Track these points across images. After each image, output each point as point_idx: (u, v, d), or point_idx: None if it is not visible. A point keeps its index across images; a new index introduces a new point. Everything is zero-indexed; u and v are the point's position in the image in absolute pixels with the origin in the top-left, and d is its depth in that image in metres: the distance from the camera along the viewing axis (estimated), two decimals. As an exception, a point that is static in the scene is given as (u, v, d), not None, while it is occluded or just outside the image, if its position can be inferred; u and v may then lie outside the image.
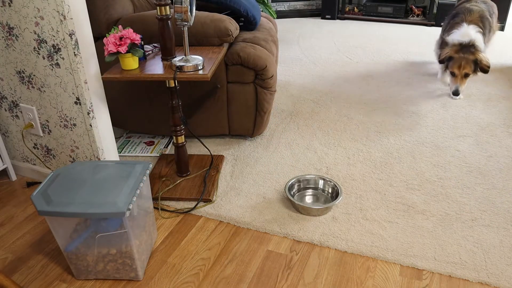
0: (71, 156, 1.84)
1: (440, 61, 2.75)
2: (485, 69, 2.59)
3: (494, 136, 2.29)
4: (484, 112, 2.56)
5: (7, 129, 1.92)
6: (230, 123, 2.20)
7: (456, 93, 2.66)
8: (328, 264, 1.48)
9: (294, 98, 2.80)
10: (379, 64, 3.46)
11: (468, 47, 2.61)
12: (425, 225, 1.64)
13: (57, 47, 1.56)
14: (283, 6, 5.11)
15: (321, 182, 1.87)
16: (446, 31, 2.85)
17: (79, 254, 1.36)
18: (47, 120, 1.78)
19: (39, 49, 1.60)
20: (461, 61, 2.61)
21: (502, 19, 4.28)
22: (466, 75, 2.64)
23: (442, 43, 2.87)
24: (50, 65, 1.62)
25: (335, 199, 1.76)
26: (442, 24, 3.11)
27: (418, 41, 4.06)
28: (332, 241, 1.57)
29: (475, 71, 2.62)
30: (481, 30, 2.69)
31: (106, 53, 1.52)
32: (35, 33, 1.57)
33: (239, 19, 2.28)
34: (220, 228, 1.66)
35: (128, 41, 1.51)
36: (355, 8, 5.06)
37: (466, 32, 2.67)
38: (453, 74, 2.68)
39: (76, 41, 1.53)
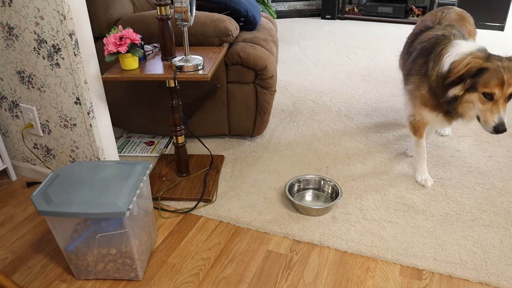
0: (71, 156, 1.84)
1: (459, 78, 1.61)
2: None
3: (494, 136, 2.29)
4: (484, 112, 2.56)
5: (7, 129, 1.92)
6: (230, 123, 2.20)
7: (500, 127, 1.58)
8: (328, 264, 1.48)
9: (294, 98, 2.80)
10: (379, 64, 3.46)
11: (507, 58, 1.57)
12: (425, 225, 1.64)
13: (57, 47, 1.56)
14: (283, 6, 5.11)
15: (321, 182, 1.87)
16: (431, 68, 1.73)
17: (79, 254, 1.36)
18: (47, 120, 1.78)
19: (39, 49, 1.60)
20: (503, 74, 1.54)
21: (502, 19, 4.28)
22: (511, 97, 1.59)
23: (428, 81, 1.75)
24: (50, 65, 1.61)
25: (335, 199, 1.76)
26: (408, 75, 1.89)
27: (418, 41, 4.05)
28: (332, 241, 1.57)
29: None
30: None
31: (106, 53, 1.52)
32: (35, 33, 1.57)
33: (239, 19, 2.28)
34: (220, 228, 1.66)
35: (128, 41, 1.51)
36: (355, 8, 5.06)
37: (473, 44, 1.67)
38: (488, 97, 1.59)
39: (76, 41, 1.53)
